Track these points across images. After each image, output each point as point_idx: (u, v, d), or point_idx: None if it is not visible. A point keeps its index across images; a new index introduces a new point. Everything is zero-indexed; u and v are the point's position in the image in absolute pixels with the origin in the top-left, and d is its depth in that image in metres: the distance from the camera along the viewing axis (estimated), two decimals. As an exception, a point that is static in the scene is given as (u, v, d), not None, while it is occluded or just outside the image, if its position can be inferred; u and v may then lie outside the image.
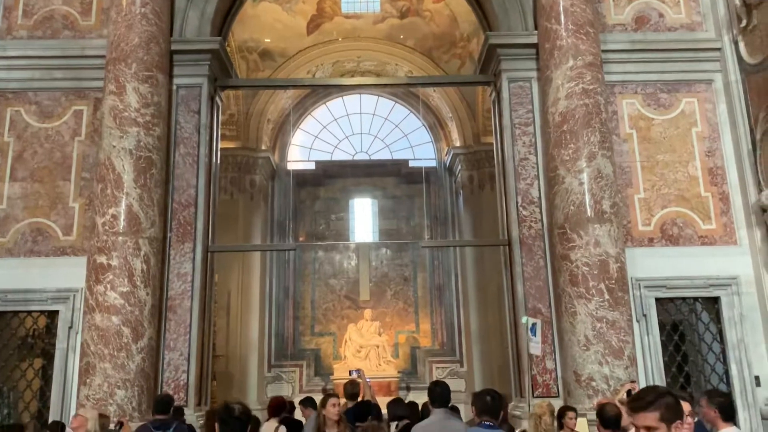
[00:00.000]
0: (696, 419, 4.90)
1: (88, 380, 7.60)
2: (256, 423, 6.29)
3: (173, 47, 9.10)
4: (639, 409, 2.59)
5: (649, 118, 9.34)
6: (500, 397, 4.48)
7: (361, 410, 6.24)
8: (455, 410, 6.54)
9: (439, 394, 4.92)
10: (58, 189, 8.97)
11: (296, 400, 8.19)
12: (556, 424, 5.71)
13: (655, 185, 9.09)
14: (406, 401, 7.55)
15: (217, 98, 9.87)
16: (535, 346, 7.77)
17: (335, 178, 18.63)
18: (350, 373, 12.36)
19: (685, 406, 3.03)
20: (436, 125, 18.43)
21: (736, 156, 9.09)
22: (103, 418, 6.65)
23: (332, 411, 5.48)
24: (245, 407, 3.49)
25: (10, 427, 3.94)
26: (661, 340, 8.58)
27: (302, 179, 18.45)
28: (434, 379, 16.22)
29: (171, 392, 8.09)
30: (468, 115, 16.53)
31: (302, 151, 19.14)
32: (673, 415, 2.58)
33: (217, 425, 3.50)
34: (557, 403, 7.85)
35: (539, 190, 8.94)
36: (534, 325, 7.76)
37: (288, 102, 17.31)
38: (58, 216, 8.88)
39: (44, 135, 9.16)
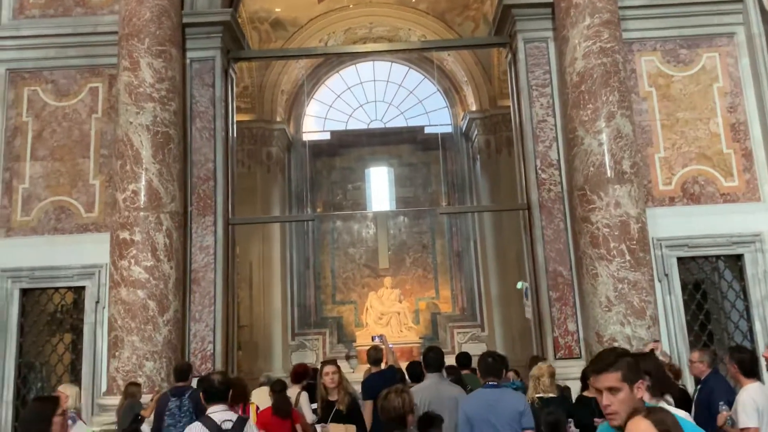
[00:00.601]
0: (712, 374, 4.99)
1: (117, 353, 7.77)
2: (283, 386, 6.44)
3: (185, 20, 9.05)
4: (600, 371, 2.56)
5: (668, 75, 9.16)
6: (502, 358, 5.06)
7: (386, 375, 6.32)
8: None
9: (433, 359, 5.14)
10: (78, 167, 9.06)
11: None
12: (554, 385, 5.76)
13: (676, 143, 8.95)
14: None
15: (231, 71, 9.84)
16: (530, 310, 7.94)
17: (351, 147, 18.60)
18: (373, 338, 12.51)
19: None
20: (451, 90, 18.26)
21: (759, 111, 8.91)
22: (134, 386, 6.81)
23: (326, 379, 5.59)
24: (225, 377, 4.32)
25: (47, 398, 4.05)
26: (684, 300, 8.55)
27: (318, 149, 18.45)
28: (456, 343, 16.39)
29: (198, 362, 8.27)
30: (484, 79, 16.35)
31: (317, 122, 19.11)
32: (634, 374, 2.57)
33: (201, 395, 4.19)
34: (580, 364, 7.92)
35: (558, 152, 8.85)
36: (527, 289, 7.87)
37: (301, 72, 17.23)
38: (80, 193, 8.98)
39: (62, 113, 9.21)
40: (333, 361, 5.84)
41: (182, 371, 6.57)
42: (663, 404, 3.23)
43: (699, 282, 8.90)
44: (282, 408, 5.74)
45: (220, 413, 4.06)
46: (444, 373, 5.54)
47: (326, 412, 5.54)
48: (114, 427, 6.79)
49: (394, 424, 3.62)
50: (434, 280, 17.94)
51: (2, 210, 8.93)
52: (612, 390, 2.53)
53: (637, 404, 2.51)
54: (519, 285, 8.05)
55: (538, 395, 5.40)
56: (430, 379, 5.11)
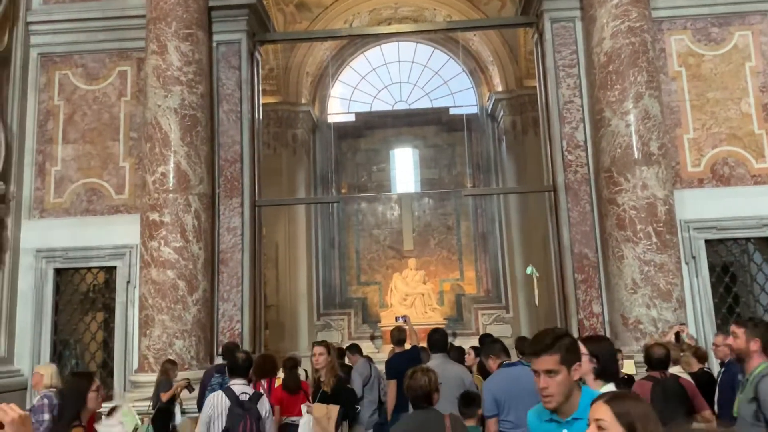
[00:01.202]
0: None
1: (147, 332, 7.97)
2: (294, 363, 6.60)
3: (211, 3, 9.11)
4: (539, 353, 2.53)
5: (699, 54, 9.00)
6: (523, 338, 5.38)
7: (410, 355, 6.40)
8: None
9: (437, 340, 5.54)
10: (108, 149, 9.23)
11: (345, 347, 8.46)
12: None
13: (705, 124, 8.82)
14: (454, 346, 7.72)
15: (257, 53, 9.91)
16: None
17: (375, 129, 18.61)
18: (396, 319, 12.63)
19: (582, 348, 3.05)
20: (476, 70, 18.12)
21: (792, 90, 8.72)
22: (168, 363, 6.99)
23: (314, 360, 5.71)
24: (249, 356, 5.07)
25: (82, 374, 4.21)
26: (711, 282, 8.48)
27: (343, 131, 18.49)
28: (480, 325, 16.44)
29: (226, 341, 8.43)
30: (510, 59, 16.20)
31: (342, 103, 19.13)
32: (572, 356, 2.54)
33: (226, 368, 4.98)
34: (605, 346, 7.91)
35: (585, 133, 8.77)
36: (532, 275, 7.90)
37: (326, 53, 17.23)
38: (110, 175, 9.17)
39: (92, 97, 9.38)
40: (322, 342, 5.88)
41: (229, 350, 6.81)
42: (611, 388, 3.18)
43: (727, 265, 8.80)
44: (290, 384, 5.94)
45: (239, 386, 4.71)
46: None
47: (315, 393, 5.69)
48: (146, 402, 7.01)
49: (421, 401, 3.74)
50: (459, 262, 17.96)
51: (36, 192, 9.16)
52: (549, 372, 2.49)
53: (573, 386, 2.51)
54: (528, 270, 8.07)
55: None
56: (436, 359, 5.42)
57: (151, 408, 6.56)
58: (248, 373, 5.06)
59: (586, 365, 3.28)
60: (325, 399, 5.47)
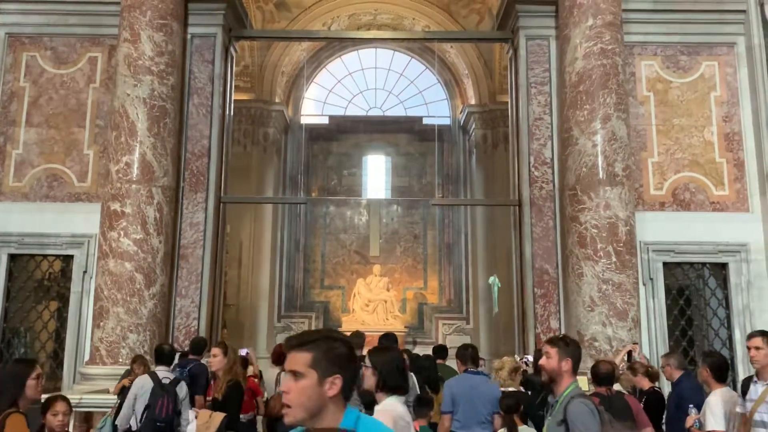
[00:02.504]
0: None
1: (101, 323, 7.81)
2: (245, 362, 6.65)
3: (188, -5, 9.01)
4: (291, 347, 2.01)
5: (667, 80, 9.20)
6: (477, 350, 5.66)
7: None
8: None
9: (386, 344, 5.58)
10: (73, 135, 9.04)
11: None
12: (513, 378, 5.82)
13: (670, 149, 9.01)
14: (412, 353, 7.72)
15: (232, 49, 9.82)
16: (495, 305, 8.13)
17: (348, 133, 18.58)
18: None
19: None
20: (451, 82, 18.24)
21: (754, 122, 8.97)
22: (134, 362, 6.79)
23: (209, 362, 6.11)
24: (172, 347, 6.33)
25: (23, 360, 4.12)
26: (667, 304, 8.65)
27: (315, 133, 18.42)
28: (440, 334, 16.48)
29: (182, 338, 8.31)
30: (484, 73, 16.34)
31: (316, 105, 19.06)
32: (332, 365, 1.97)
33: (154, 355, 5.74)
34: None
35: (552, 150, 8.89)
36: (494, 285, 8.01)
37: (302, 54, 17.17)
38: (73, 162, 8.98)
39: (59, 81, 9.18)
40: (221, 344, 5.97)
41: (197, 345, 6.84)
42: (393, 401, 3.14)
43: (683, 288, 8.99)
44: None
45: (162, 372, 5.68)
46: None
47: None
48: (96, 396, 6.88)
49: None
50: (423, 271, 18.00)
51: (-6, 174, 8.92)
52: (296, 375, 1.95)
53: (327, 404, 1.95)
54: (490, 280, 8.21)
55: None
56: None
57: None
58: (171, 361, 6.11)
59: (370, 379, 3.24)
60: (214, 405, 5.47)
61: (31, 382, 3.42)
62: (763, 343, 4.58)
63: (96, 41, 9.30)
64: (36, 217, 8.73)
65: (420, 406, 4.88)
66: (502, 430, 4.85)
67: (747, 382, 4.72)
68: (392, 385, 3.17)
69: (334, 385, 1.97)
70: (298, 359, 1.98)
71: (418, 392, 5.40)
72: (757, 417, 4.47)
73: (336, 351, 2.01)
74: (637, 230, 8.18)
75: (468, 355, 5.38)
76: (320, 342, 2.01)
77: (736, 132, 9.04)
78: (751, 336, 4.70)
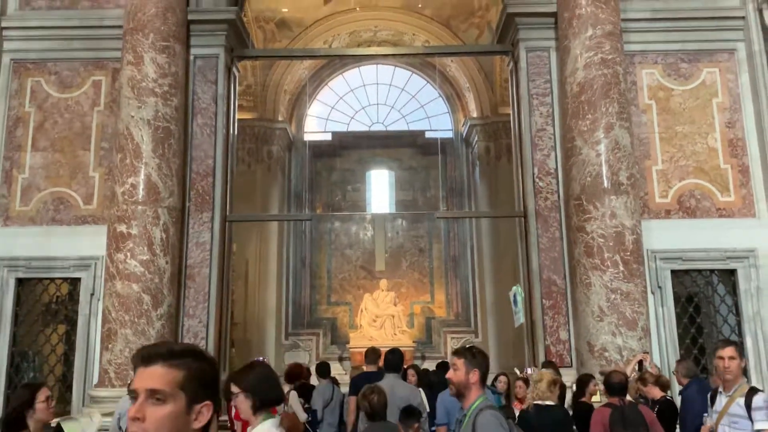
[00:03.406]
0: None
1: (109, 345, 7.79)
2: None
3: (190, 17, 9.08)
4: (148, 360, 1.56)
5: (668, 88, 9.21)
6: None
7: (378, 376, 6.34)
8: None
9: (390, 360, 5.81)
10: (78, 159, 9.08)
11: (312, 367, 8.36)
12: (553, 392, 5.76)
13: (674, 157, 8.99)
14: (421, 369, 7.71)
15: (234, 69, 9.88)
16: (519, 318, 8.15)
17: (351, 149, 18.64)
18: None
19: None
20: (453, 96, 18.31)
21: (757, 127, 8.95)
22: None
23: None
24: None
25: (31, 384, 4.12)
26: (676, 312, 8.58)
27: (319, 150, 18.48)
28: (449, 348, 16.40)
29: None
30: (485, 86, 16.40)
31: (319, 122, 19.15)
32: (204, 389, 1.58)
33: None
34: (571, 373, 7.94)
35: (556, 161, 8.88)
36: (515, 295, 8.03)
37: (304, 73, 17.28)
38: (79, 185, 9.01)
39: (64, 105, 9.24)
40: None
41: None
42: (268, 426, 2.86)
43: (692, 295, 8.92)
44: None
45: None
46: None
47: None
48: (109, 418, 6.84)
49: (379, 415, 4.39)
50: (430, 285, 17.96)
51: (1, 199, 8.96)
52: (155, 395, 1.51)
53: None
54: (513, 290, 8.24)
55: (534, 402, 5.35)
56: (387, 379, 5.64)
57: None
58: None
59: (243, 403, 2.92)
60: None
61: (40, 405, 3.42)
62: (736, 353, 4.53)
63: (99, 65, 9.37)
64: (43, 240, 8.74)
65: (407, 418, 4.95)
66: None
67: (715, 393, 4.69)
68: (272, 398, 2.97)
69: (201, 415, 1.56)
70: (159, 376, 1.52)
71: (428, 409, 5.41)
72: (720, 429, 4.48)
73: (205, 374, 1.60)
74: (643, 238, 8.14)
75: None
76: (188, 358, 1.58)
77: (739, 138, 9.02)
78: (723, 346, 4.60)
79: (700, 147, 9.00)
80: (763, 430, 4.19)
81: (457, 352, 3.28)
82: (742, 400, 4.37)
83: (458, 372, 3.18)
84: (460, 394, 3.21)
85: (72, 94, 9.29)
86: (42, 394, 3.46)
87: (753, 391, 4.40)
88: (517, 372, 8.35)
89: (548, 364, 7.10)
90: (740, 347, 4.70)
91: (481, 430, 2.98)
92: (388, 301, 16.68)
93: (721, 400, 4.55)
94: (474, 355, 3.22)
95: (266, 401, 2.90)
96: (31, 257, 8.69)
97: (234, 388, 2.93)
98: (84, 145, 9.11)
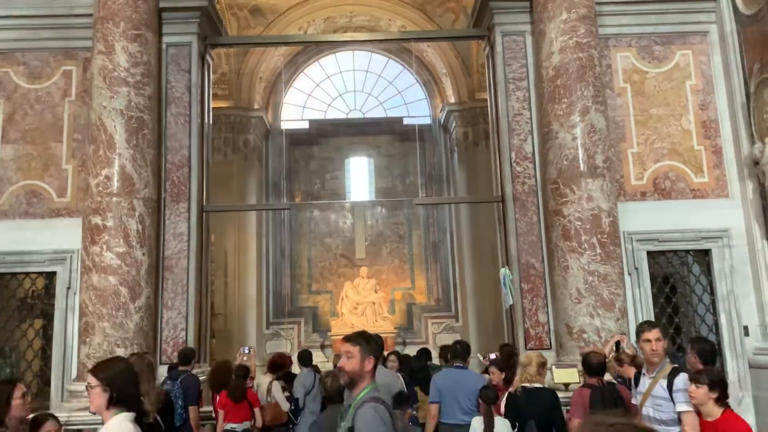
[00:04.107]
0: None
1: (87, 339, 7.71)
2: (245, 372, 6.70)
3: (161, 5, 8.94)
4: None
5: (643, 71, 9.28)
6: (468, 346, 6.22)
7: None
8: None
9: (374, 349, 5.67)
10: (51, 151, 8.93)
11: (294, 356, 8.38)
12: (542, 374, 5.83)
13: (649, 139, 9.09)
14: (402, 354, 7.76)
15: (208, 57, 9.76)
16: (509, 299, 8.31)
17: (329, 137, 18.57)
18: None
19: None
20: (430, 81, 18.29)
21: (729, 109, 9.07)
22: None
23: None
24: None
25: (5, 381, 4.06)
26: (653, 293, 8.70)
27: (296, 138, 18.39)
28: (430, 333, 16.50)
29: (170, 350, 8.25)
30: (462, 71, 16.40)
31: (295, 110, 19.03)
32: None
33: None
34: (550, 355, 8.04)
35: (533, 145, 8.93)
36: (504, 277, 8.19)
37: (280, 60, 17.13)
38: (52, 178, 8.87)
39: (34, 96, 9.07)
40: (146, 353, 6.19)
41: (184, 356, 6.82)
42: (120, 419, 2.81)
43: (668, 276, 9.06)
44: (236, 393, 6.02)
45: None
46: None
47: None
48: (84, 413, 6.78)
49: (337, 397, 4.55)
50: (410, 271, 18.03)
51: (-29, 193, 8.79)
52: None
53: None
54: (501, 272, 8.38)
55: (523, 384, 5.39)
56: None
57: None
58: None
59: (99, 397, 2.86)
60: None
61: (16, 402, 3.37)
62: (661, 335, 4.53)
63: (70, 54, 9.20)
64: (16, 234, 8.60)
65: (398, 403, 5.32)
66: (479, 417, 5.19)
67: (638, 375, 4.72)
68: (127, 394, 2.90)
69: None
70: None
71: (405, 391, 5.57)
72: (644, 411, 4.51)
73: None
74: (620, 221, 8.23)
75: (454, 351, 6.01)
76: None
77: (712, 119, 9.14)
78: (648, 328, 4.56)
79: (675, 129, 9.11)
80: (683, 411, 4.18)
81: (350, 339, 3.07)
82: (665, 382, 4.38)
83: (352, 360, 2.98)
84: (352, 384, 3.02)
85: (42, 84, 9.12)
86: (18, 391, 3.42)
87: (675, 372, 4.39)
88: (480, 358, 8.50)
89: (505, 346, 7.21)
90: (662, 329, 4.71)
91: (360, 423, 2.82)
92: (368, 288, 16.73)
93: (645, 382, 4.55)
94: (368, 342, 3.05)
95: (122, 397, 2.86)
96: (5, 252, 8.55)
97: (91, 380, 2.89)
98: (56, 136, 8.96)
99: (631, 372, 5.73)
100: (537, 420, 5.02)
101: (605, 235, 7.92)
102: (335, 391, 4.53)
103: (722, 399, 4.00)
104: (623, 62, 9.30)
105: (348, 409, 2.97)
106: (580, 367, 6.63)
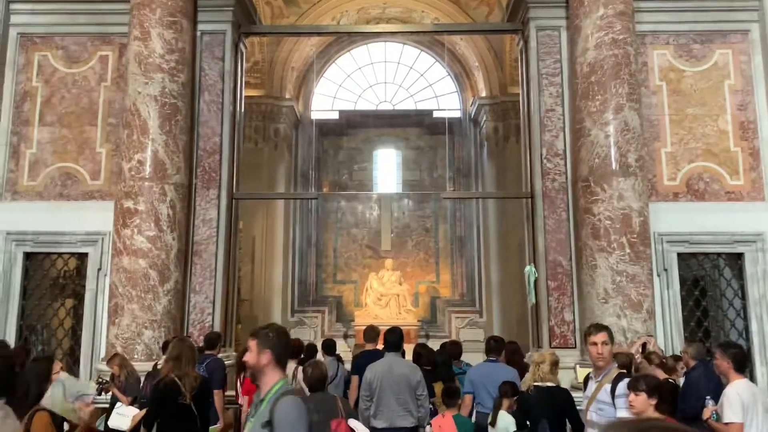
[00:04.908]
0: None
1: (116, 320, 7.86)
2: None
3: (197, -8, 9.02)
4: None
5: (680, 69, 9.10)
6: (501, 340, 6.51)
7: (378, 354, 6.39)
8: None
9: (388, 339, 5.96)
10: (85, 134, 9.09)
11: (319, 344, 8.42)
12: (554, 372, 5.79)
13: (683, 139, 8.92)
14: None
15: (241, 45, 9.82)
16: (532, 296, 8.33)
17: (359, 128, 18.58)
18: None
19: None
20: (462, 75, 18.18)
21: (769, 110, 8.85)
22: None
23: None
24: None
25: (42, 358, 4.15)
26: (681, 295, 8.57)
27: (326, 129, 18.44)
28: (453, 328, 16.48)
29: (197, 334, 8.36)
30: (495, 65, 16.27)
31: (326, 100, 19.07)
32: None
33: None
34: (574, 354, 7.98)
35: (564, 142, 8.83)
36: (529, 275, 8.18)
37: (312, 50, 17.16)
38: (86, 161, 9.03)
39: (71, 80, 9.23)
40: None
41: (210, 340, 6.94)
42: None
43: (698, 278, 8.91)
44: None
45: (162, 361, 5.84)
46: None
47: None
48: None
49: (320, 385, 4.77)
50: (435, 264, 18.00)
51: (9, 174, 9.00)
52: None
53: None
54: (527, 269, 8.38)
55: (535, 383, 5.34)
56: (387, 357, 5.82)
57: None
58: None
59: None
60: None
61: (55, 376, 3.46)
62: (608, 338, 4.44)
63: (106, 40, 9.33)
64: (50, 215, 8.79)
65: (449, 397, 5.70)
66: (503, 411, 5.38)
67: (587, 379, 4.69)
68: (741, 366, 3.07)
69: None
70: None
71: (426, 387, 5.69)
72: (588, 416, 4.46)
73: None
74: (651, 221, 8.11)
75: (488, 346, 6.28)
76: None
77: (751, 120, 8.93)
78: (596, 331, 4.46)
79: (711, 129, 8.92)
80: (623, 418, 4.07)
81: (252, 333, 3.00)
82: (609, 387, 4.31)
83: (251, 354, 2.90)
84: (254, 377, 2.94)
85: (79, 69, 9.27)
86: (56, 366, 3.51)
87: (620, 377, 4.33)
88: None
89: (510, 344, 7.18)
90: (610, 331, 4.57)
91: (278, 417, 2.73)
92: (393, 280, 16.74)
93: (591, 386, 4.50)
94: (268, 335, 2.94)
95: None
96: (39, 232, 8.75)
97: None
98: (91, 120, 9.12)
99: (659, 374, 5.66)
100: (549, 420, 4.96)
101: (635, 235, 7.82)
102: (316, 380, 4.74)
103: (661, 405, 3.91)
104: (660, 60, 9.13)
105: (260, 403, 2.89)
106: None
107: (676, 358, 6.38)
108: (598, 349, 4.41)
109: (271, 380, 2.88)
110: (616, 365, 4.58)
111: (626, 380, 4.24)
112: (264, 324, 3.26)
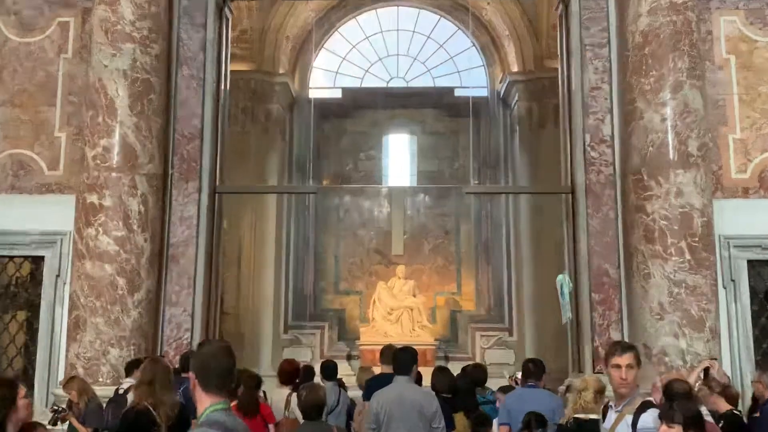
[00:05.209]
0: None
1: (78, 336, 7.91)
2: (257, 382, 6.73)
3: (174, -53, 9.06)
4: None
5: (752, 40, 9.03)
6: (541, 363, 6.73)
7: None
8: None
9: (400, 360, 5.93)
10: (42, 115, 9.13)
11: (317, 367, 8.44)
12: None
13: (756, 123, 8.86)
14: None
15: (227, 10, 9.84)
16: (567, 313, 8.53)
17: (365, 109, 18.61)
18: None
19: None
20: (489, 46, 18.16)
21: None
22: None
23: None
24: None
25: (5, 381, 4.17)
26: (753, 311, 8.52)
27: (326, 110, 18.48)
28: (477, 348, 16.47)
29: (172, 353, 8.39)
30: (529, 34, 16.26)
31: (327, 76, 19.10)
32: None
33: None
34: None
35: (612, 127, 8.80)
36: (562, 285, 8.15)
37: (311, 16, 17.17)
38: (42, 147, 9.07)
39: (25, 51, 9.27)
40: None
41: (187, 360, 6.90)
42: None
43: (773, 291, 8.86)
44: (247, 406, 6.05)
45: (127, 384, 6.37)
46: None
47: None
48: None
49: (315, 413, 4.90)
50: (456, 273, 18.01)
51: (-49, 162, 9.07)
52: None
53: None
54: (559, 278, 8.36)
55: (575, 414, 5.32)
56: (397, 382, 5.76)
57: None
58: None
59: None
60: None
61: (21, 402, 3.50)
62: (634, 360, 4.40)
63: (67, 3, 9.36)
64: (0, 212, 8.84)
65: (479, 425, 6.10)
66: None
67: (606, 408, 4.65)
68: None
69: None
70: None
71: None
72: None
73: None
74: (715, 222, 8.08)
75: (527, 370, 6.55)
76: None
77: (839, 101, 8.86)
78: (621, 351, 4.41)
79: (790, 112, 8.86)
80: None
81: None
82: (630, 418, 4.26)
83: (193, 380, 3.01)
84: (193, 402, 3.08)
85: (34, 38, 9.31)
86: (21, 391, 3.55)
87: (643, 407, 4.25)
88: (507, 378, 8.61)
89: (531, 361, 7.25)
90: (637, 352, 4.54)
91: None
92: (406, 291, 16.76)
93: (611, 416, 4.46)
94: (191, 354, 3.14)
95: None
96: (-15, 232, 8.80)
97: None
98: (49, 99, 9.16)
99: (721, 404, 5.63)
100: None
101: (696, 239, 7.79)
102: (311, 406, 4.75)
103: None
104: (727, 28, 9.06)
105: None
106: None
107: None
108: (622, 374, 4.36)
109: (201, 406, 2.96)
110: (639, 391, 4.52)
111: (651, 411, 4.15)
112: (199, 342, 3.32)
